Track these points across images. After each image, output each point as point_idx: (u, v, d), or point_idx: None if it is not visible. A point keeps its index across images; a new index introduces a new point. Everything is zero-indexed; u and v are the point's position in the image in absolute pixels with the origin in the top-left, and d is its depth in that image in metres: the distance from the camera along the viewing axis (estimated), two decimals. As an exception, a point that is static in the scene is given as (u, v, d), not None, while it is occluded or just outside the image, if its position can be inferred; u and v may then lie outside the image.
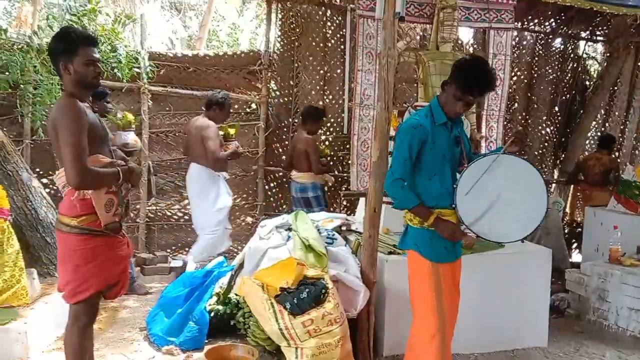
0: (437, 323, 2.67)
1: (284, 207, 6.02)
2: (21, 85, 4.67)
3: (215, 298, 3.78)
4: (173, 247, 5.83)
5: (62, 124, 2.36)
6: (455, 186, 2.63)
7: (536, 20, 6.63)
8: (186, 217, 5.73)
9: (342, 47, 5.92)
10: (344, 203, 6.16)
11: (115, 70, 4.85)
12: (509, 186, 2.61)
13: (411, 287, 2.82)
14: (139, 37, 5.64)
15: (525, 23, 6.59)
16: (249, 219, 6.01)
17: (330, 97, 5.99)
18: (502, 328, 3.69)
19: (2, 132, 4.60)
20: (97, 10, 4.74)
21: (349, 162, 5.07)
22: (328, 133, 6.04)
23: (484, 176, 2.58)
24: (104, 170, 2.45)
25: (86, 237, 2.48)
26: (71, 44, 2.44)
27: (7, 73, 4.54)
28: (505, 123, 5.32)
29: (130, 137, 4.52)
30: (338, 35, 5.93)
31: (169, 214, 5.80)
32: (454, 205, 2.64)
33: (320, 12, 5.85)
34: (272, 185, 6.09)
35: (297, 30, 5.77)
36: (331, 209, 6.04)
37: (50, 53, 2.59)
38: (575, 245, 6.86)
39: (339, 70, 5.97)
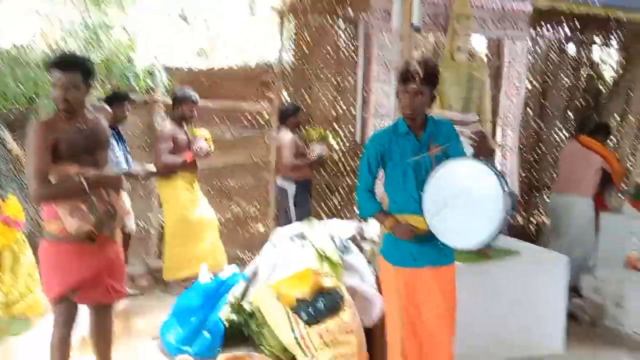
0: (400, 326, 2.72)
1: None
2: (35, 99, 4.72)
3: (229, 307, 3.77)
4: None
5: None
6: (420, 193, 2.62)
7: (549, 27, 6.60)
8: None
9: (355, 57, 5.92)
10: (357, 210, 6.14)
11: (133, 83, 4.89)
12: (464, 190, 2.53)
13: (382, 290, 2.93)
14: (152, 49, 5.70)
15: (539, 30, 6.56)
16: (261, 228, 6.01)
17: (344, 107, 5.99)
18: (517, 335, 3.63)
19: (16, 145, 4.66)
20: (110, 27, 4.80)
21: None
22: (341, 143, 6.03)
23: (442, 181, 2.55)
24: (61, 184, 2.60)
25: (51, 242, 2.67)
26: (48, 65, 2.67)
27: (23, 87, 4.60)
28: (520, 130, 5.30)
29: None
30: (350, 46, 5.93)
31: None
32: (420, 211, 2.62)
33: (333, 23, 5.87)
34: (284, 194, 6.08)
35: (310, 41, 5.79)
36: (343, 217, 6.03)
37: None
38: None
39: (351, 80, 5.97)
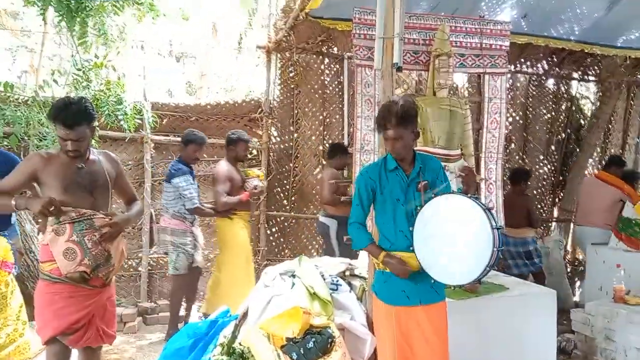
0: None
1: (286, 251, 6.03)
2: (26, 138, 4.74)
3: (219, 348, 3.74)
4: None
5: None
6: (411, 229, 2.67)
7: (529, 63, 6.80)
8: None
9: (341, 93, 6.06)
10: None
11: (122, 123, 4.94)
12: (454, 226, 2.58)
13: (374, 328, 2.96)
14: (141, 87, 5.76)
15: (518, 65, 6.75)
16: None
17: (330, 141, 6.07)
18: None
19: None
20: (104, 65, 4.85)
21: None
22: (328, 177, 6.11)
23: (432, 217, 2.61)
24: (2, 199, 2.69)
25: (46, 283, 2.73)
26: (51, 117, 2.75)
27: (14, 127, 4.61)
28: (503, 164, 5.40)
29: None
30: (336, 82, 6.08)
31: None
32: (411, 248, 2.67)
33: (319, 61, 6.02)
34: (273, 230, 6.10)
35: (296, 78, 5.91)
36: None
37: None
38: (578, 284, 6.83)
39: (337, 116, 6.09)
